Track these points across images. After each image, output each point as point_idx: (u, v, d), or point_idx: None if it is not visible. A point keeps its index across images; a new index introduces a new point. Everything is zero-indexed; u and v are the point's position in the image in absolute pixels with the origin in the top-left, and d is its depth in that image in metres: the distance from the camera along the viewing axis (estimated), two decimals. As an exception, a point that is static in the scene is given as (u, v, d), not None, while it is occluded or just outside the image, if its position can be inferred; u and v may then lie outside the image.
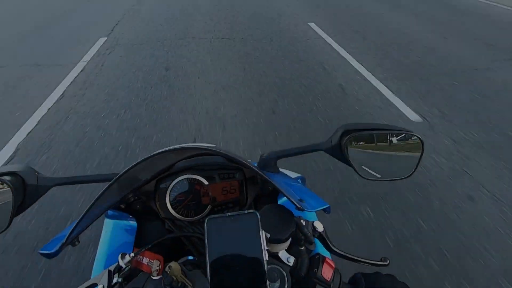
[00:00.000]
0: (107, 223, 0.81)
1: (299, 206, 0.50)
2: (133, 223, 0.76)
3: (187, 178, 0.69)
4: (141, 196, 0.69)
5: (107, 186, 0.49)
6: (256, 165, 0.69)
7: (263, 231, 0.47)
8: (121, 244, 0.76)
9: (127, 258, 0.56)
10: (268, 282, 0.44)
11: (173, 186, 0.68)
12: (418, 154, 0.60)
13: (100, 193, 0.49)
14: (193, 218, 0.69)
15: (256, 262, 0.45)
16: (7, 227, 0.53)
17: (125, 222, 0.78)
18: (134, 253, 0.57)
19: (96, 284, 0.56)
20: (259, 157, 0.72)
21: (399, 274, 0.71)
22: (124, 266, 0.55)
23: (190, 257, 0.61)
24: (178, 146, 0.55)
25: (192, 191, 0.69)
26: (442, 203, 2.04)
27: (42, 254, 0.53)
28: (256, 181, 0.73)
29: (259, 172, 0.51)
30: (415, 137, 0.60)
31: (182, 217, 0.68)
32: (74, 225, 0.48)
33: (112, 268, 0.56)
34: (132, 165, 0.49)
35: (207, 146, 0.53)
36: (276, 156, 0.70)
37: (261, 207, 0.57)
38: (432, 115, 2.97)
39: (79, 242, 0.53)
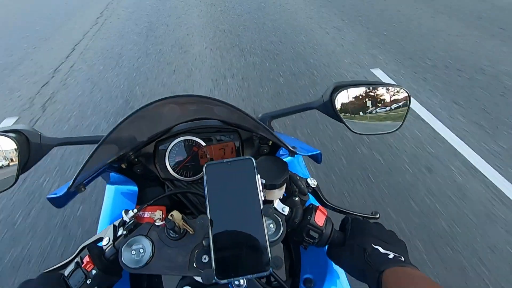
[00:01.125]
0: (109, 189, 0.84)
1: (292, 150, 0.52)
2: (134, 187, 0.79)
3: (185, 140, 0.71)
4: (141, 158, 0.71)
5: (103, 138, 0.51)
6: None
7: (258, 175, 0.50)
8: (123, 207, 0.79)
9: (131, 213, 0.59)
10: (264, 218, 0.47)
11: (172, 147, 0.71)
12: (404, 106, 0.63)
13: (97, 144, 0.50)
14: (191, 178, 0.71)
15: (252, 202, 0.48)
16: (14, 183, 0.55)
17: (126, 187, 0.81)
18: (137, 209, 0.60)
19: (102, 238, 0.59)
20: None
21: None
22: (128, 220, 0.58)
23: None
24: (177, 95, 0.57)
25: (190, 152, 0.72)
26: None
27: (49, 199, 0.56)
28: (252, 143, 0.76)
29: (257, 121, 0.53)
30: (402, 90, 0.63)
31: (181, 177, 0.71)
32: (76, 174, 0.50)
33: (116, 223, 0.59)
34: (127, 115, 0.51)
35: (203, 96, 0.55)
36: (270, 116, 0.73)
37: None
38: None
39: (85, 189, 0.56)
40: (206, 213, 0.47)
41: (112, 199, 0.81)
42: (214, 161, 0.50)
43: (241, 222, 0.47)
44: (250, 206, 0.48)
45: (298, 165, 0.86)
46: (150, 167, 0.72)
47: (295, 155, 0.72)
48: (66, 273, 0.52)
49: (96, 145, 0.50)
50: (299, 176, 0.66)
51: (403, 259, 0.50)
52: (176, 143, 0.71)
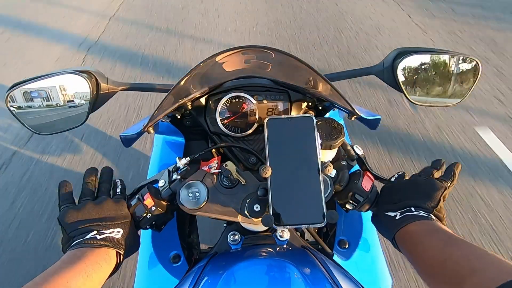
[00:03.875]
0: (157, 138, 0.88)
1: (355, 111, 0.52)
2: (180, 139, 0.82)
3: (236, 96, 0.72)
4: (192, 111, 0.74)
5: (173, 86, 0.53)
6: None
7: (318, 134, 0.50)
8: (170, 156, 0.84)
9: (184, 160, 0.62)
10: (321, 175, 0.49)
11: (223, 102, 0.72)
12: (473, 78, 0.60)
13: (168, 92, 0.53)
14: (239, 134, 0.73)
15: (311, 159, 0.49)
16: (84, 121, 0.60)
17: (173, 137, 0.85)
18: (190, 157, 0.63)
19: (157, 181, 0.63)
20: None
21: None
22: (181, 166, 0.62)
23: None
24: (239, 46, 0.57)
25: (240, 109, 0.73)
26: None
27: (122, 137, 0.60)
28: (300, 105, 0.75)
29: (322, 76, 0.52)
30: (472, 60, 0.59)
31: (230, 132, 0.73)
32: (148, 119, 0.53)
33: (170, 168, 0.63)
34: (193, 68, 0.53)
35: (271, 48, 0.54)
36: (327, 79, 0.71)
37: None
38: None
39: (153, 131, 0.60)
40: (249, 169, 0.48)
41: (161, 147, 0.85)
42: (276, 116, 0.51)
43: (298, 176, 0.49)
44: (307, 162, 0.50)
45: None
46: (200, 120, 0.74)
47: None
48: (131, 204, 0.57)
49: (164, 93, 0.53)
50: (347, 142, 0.66)
51: (413, 211, 0.50)
52: (227, 99, 0.72)
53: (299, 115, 0.51)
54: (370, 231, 0.73)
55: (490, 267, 0.38)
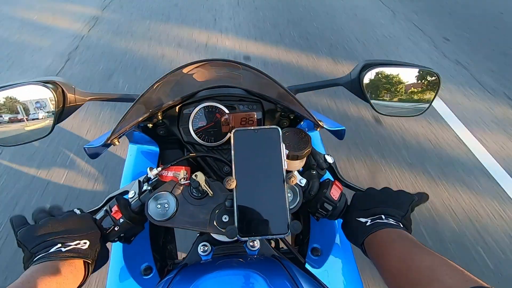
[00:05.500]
0: (131, 148, 0.87)
1: (318, 123, 0.53)
2: (155, 148, 0.82)
3: (209, 106, 0.72)
4: (165, 120, 0.73)
5: (139, 95, 0.53)
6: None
7: (283, 145, 0.51)
8: (144, 165, 0.83)
9: (155, 171, 0.61)
10: (286, 186, 0.49)
11: (196, 112, 0.72)
12: (434, 91, 0.62)
13: (135, 101, 0.53)
14: (213, 143, 0.73)
15: (276, 170, 0.50)
16: (50, 132, 0.59)
17: (148, 147, 0.84)
18: (161, 167, 0.63)
19: (127, 192, 0.62)
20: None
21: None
22: (152, 177, 0.61)
23: None
24: (203, 59, 0.58)
25: (213, 118, 0.73)
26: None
27: (86, 150, 0.59)
28: (274, 115, 0.76)
29: (286, 90, 0.54)
30: (432, 73, 0.62)
31: (203, 142, 0.73)
32: (112, 130, 0.52)
33: (141, 178, 0.62)
34: (166, 74, 0.53)
35: (239, 62, 0.55)
36: (295, 90, 0.73)
37: None
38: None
39: (119, 142, 0.59)
40: (223, 178, 0.49)
41: (134, 157, 0.84)
42: (242, 128, 0.52)
43: (264, 187, 0.50)
44: (273, 173, 0.50)
45: (316, 139, 0.87)
46: (174, 129, 0.74)
47: (315, 131, 0.73)
48: (97, 217, 0.56)
49: (131, 103, 0.52)
50: (317, 152, 0.67)
51: (383, 219, 0.52)
52: (200, 108, 0.72)
53: (265, 127, 0.52)
54: (343, 239, 0.75)
55: (451, 276, 0.40)
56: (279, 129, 0.52)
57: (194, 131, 0.73)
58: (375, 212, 0.53)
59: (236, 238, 0.46)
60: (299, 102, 0.54)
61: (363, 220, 0.53)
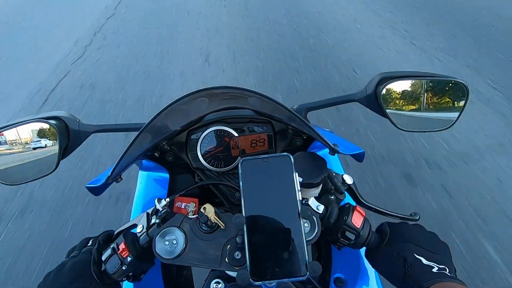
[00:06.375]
0: (141, 175, 0.85)
1: (333, 148, 0.49)
2: (165, 174, 0.79)
3: (218, 130, 0.69)
4: (173, 147, 0.71)
5: (142, 128, 0.51)
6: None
7: (296, 174, 0.47)
8: (155, 193, 0.80)
9: (163, 202, 0.59)
10: (301, 220, 0.45)
11: (204, 137, 0.69)
12: (461, 102, 0.56)
13: (136, 135, 0.50)
14: (223, 168, 0.70)
15: (290, 202, 0.46)
16: (55, 168, 0.57)
17: (158, 173, 0.82)
18: (169, 198, 0.60)
19: (136, 225, 0.60)
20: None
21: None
22: (161, 209, 0.58)
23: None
24: (207, 87, 0.55)
25: (222, 142, 0.70)
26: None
27: (88, 188, 0.57)
28: (285, 134, 0.72)
29: (294, 114, 0.50)
30: (458, 83, 0.56)
31: (213, 167, 0.70)
32: (115, 165, 0.50)
33: (149, 211, 0.59)
34: (168, 104, 0.50)
35: (242, 88, 0.52)
36: (306, 108, 0.69)
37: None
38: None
39: (121, 179, 0.57)
40: (235, 204, 0.45)
41: (145, 184, 0.82)
42: (250, 157, 0.48)
43: (277, 222, 0.45)
44: (286, 205, 0.46)
45: (333, 159, 0.82)
46: (182, 155, 0.72)
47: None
48: (103, 258, 0.53)
49: (135, 135, 0.50)
50: (335, 173, 0.62)
51: (447, 271, 0.47)
52: (208, 133, 0.69)
53: (275, 154, 0.48)
54: (369, 268, 0.68)
55: None
56: (291, 156, 0.48)
57: (202, 156, 0.70)
58: (442, 261, 0.49)
59: (248, 283, 0.42)
60: (311, 127, 0.50)
61: (425, 262, 0.48)
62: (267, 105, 0.57)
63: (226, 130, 0.70)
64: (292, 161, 0.47)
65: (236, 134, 0.70)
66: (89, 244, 0.56)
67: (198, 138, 0.70)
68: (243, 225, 0.44)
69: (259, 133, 0.71)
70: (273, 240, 0.45)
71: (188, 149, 0.71)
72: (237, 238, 0.49)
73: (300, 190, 0.48)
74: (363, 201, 0.65)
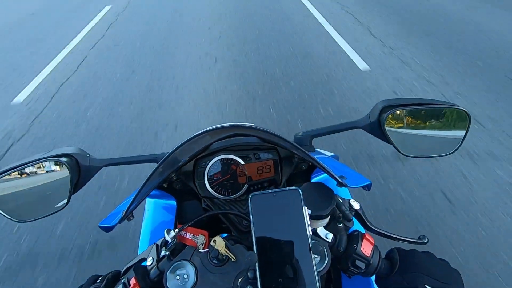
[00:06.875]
0: (149, 203, 0.85)
1: (341, 182, 0.50)
2: (173, 202, 0.80)
3: (224, 158, 0.70)
4: (180, 176, 0.72)
5: (156, 167, 0.52)
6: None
7: (306, 207, 0.48)
8: (163, 222, 0.81)
9: (172, 233, 0.59)
10: (312, 255, 0.45)
11: (211, 166, 0.70)
12: (463, 128, 0.58)
13: (150, 173, 0.51)
14: (230, 196, 0.71)
15: (300, 236, 0.46)
16: (67, 203, 0.58)
17: (165, 201, 0.83)
18: (178, 229, 0.60)
19: (145, 259, 0.60)
20: (293, 137, 0.72)
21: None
22: (170, 240, 0.59)
23: (225, 234, 0.64)
24: (217, 126, 0.56)
25: (228, 170, 0.71)
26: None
27: (101, 227, 0.58)
28: (290, 160, 0.73)
29: (299, 147, 0.51)
30: (460, 111, 0.57)
31: (220, 195, 0.70)
32: (130, 203, 0.51)
33: (159, 242, 0.60)
34: (176, 146, 0.52)
35: (246, 125, 0.54)
36: (311, 135, 0.70)
37: (295, 185, 0.57)
38: None
39: (133, 217, 0.57)
40: (243, 231, 0.44)
41: (152, 212, 0.83)
42: (259, 192, 0.49)
43: (288, 257, 0.46)
44: (297, 240, 0.47)
45: None
46: (190, 184, 0.72)
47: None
48: None
49: (149, 162, 0.51)
50: (342, 198, 0.63)
51: None
52: (215, 161, 0.70)
53: (284, 189, 0.49)
54: None
55: None
56: (300, 191, 0.48)
57: (210, 185, 0.71)
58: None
59: None
60: (317, 161, 0.51)
61: None
62: (272, 138, 0.58)
63: (232, 158, 0.71)
64: (301, 195, 0.48)
65: (242, 162, 0.71)
66: (97, 281, 0.56)
67: (205, 167, 0.71)
68: (255, 263, 0.44)
69: (265, 159, 0.72)
70: (285, 275, 0.45)
71: (196, 178, 0.72)
72: (248, 273, 0.49)
73: (309, 224, 0.49)
74: (371, 226, 0.65)
